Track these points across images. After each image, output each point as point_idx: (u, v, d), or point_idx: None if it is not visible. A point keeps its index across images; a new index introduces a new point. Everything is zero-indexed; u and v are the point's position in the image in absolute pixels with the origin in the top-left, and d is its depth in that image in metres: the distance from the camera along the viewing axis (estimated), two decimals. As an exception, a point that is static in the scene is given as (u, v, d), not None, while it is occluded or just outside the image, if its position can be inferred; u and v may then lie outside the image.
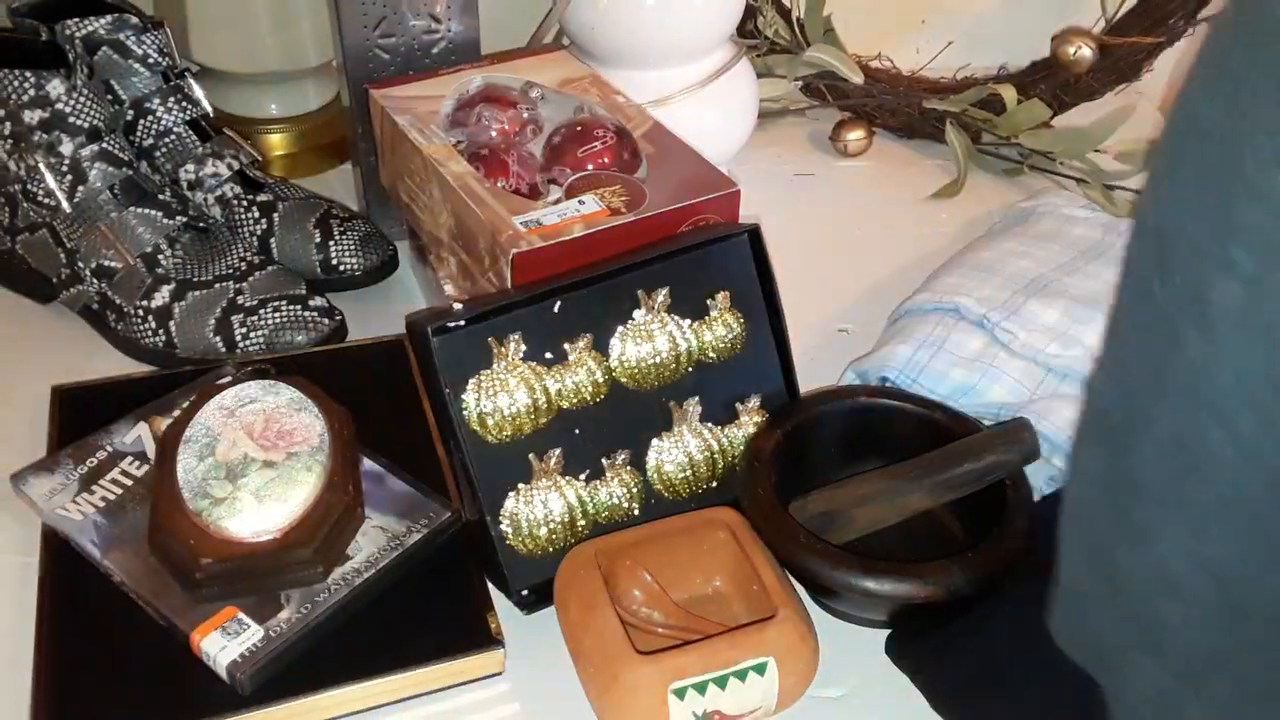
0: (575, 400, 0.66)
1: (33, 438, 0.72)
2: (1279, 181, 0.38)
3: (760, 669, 0.56)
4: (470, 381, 0.63)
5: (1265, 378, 0.39)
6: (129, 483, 0.66)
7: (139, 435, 0.69)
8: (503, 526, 0.64)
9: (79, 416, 0.71)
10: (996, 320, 0.75)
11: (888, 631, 0.64)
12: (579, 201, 0.69)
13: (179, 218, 0.81)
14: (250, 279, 0.81)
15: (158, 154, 0.86)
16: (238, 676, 0.57)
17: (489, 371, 0.64)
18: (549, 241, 0.65)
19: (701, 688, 0.55)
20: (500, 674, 0.61)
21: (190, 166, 0.86)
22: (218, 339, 0.79)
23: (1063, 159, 0.99)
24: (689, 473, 0.68)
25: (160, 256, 0.80)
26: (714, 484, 0.69)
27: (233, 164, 0.86)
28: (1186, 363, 0.42)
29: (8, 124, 0.77)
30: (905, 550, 0.64)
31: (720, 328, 0.69)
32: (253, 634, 0.58)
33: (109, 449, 0.68)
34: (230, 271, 0.81)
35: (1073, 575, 0.50)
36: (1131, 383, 0.45)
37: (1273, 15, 0.38)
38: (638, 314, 0.67)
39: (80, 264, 0.80)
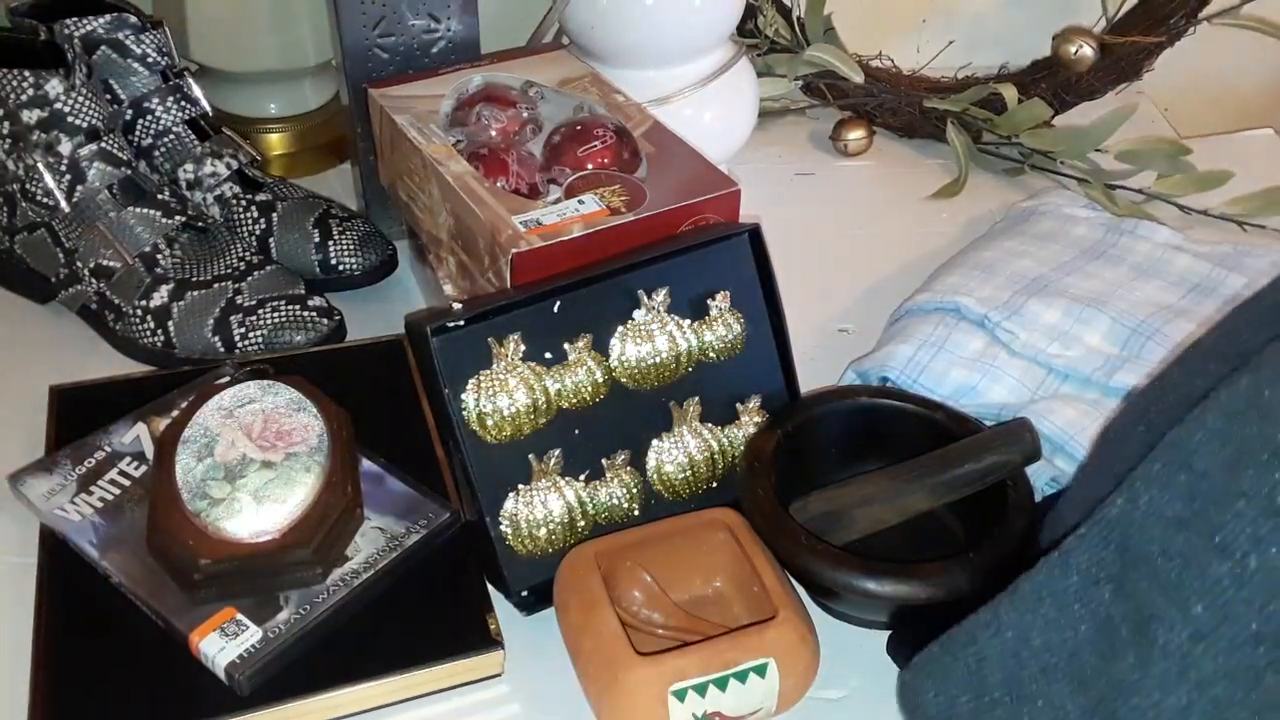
0: (575, 400, 0.66)
1: (31, 438, 0.72)
2: (1255, 558, 0.39)
3: (761, 670, 0.56)
4: (469, 382, 0.63)
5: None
6: (127, 483, 0.66)
7: (137, 436, 0.69)
8: (502, 527, 0.64)
9: (77, 417, 0.71)
10: (997, 320, 0.75)
11: (889, 633, 0.64)
12: (579, 201, 0.69)
13: (177, 217, 0.81)
14: (249, 279, 0.81)
15: (156, 153, 0.86)
16: (236, 677, 0.57)
17: (488, 372, 0.63)
18: (548, 241, 0.65)
19: (701, 689, 0.55)
20: (500, 675, 0.61)
21: (189, 166, 0.85)
22: (216, 339, 0.79)
23: (1064, 158, 0.99)
24: (689, 473, 0.68)
25: (159, 256, 0.80)
26: (714, 484, 0.69)
27: (231, 163, 0.86)
28: (1117, 677, 0.43)
29: (6, 123, 0.77)
30: (906, 551, 0.64)
31: (720, 328, 0.69)
32: (251, 635, 0.58)
33: (107, 449, 0.68)
34: (229, 271, 0.81)
35: None
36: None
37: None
38: (638, 314, 0.67)
39: (79, 264, 0.80)
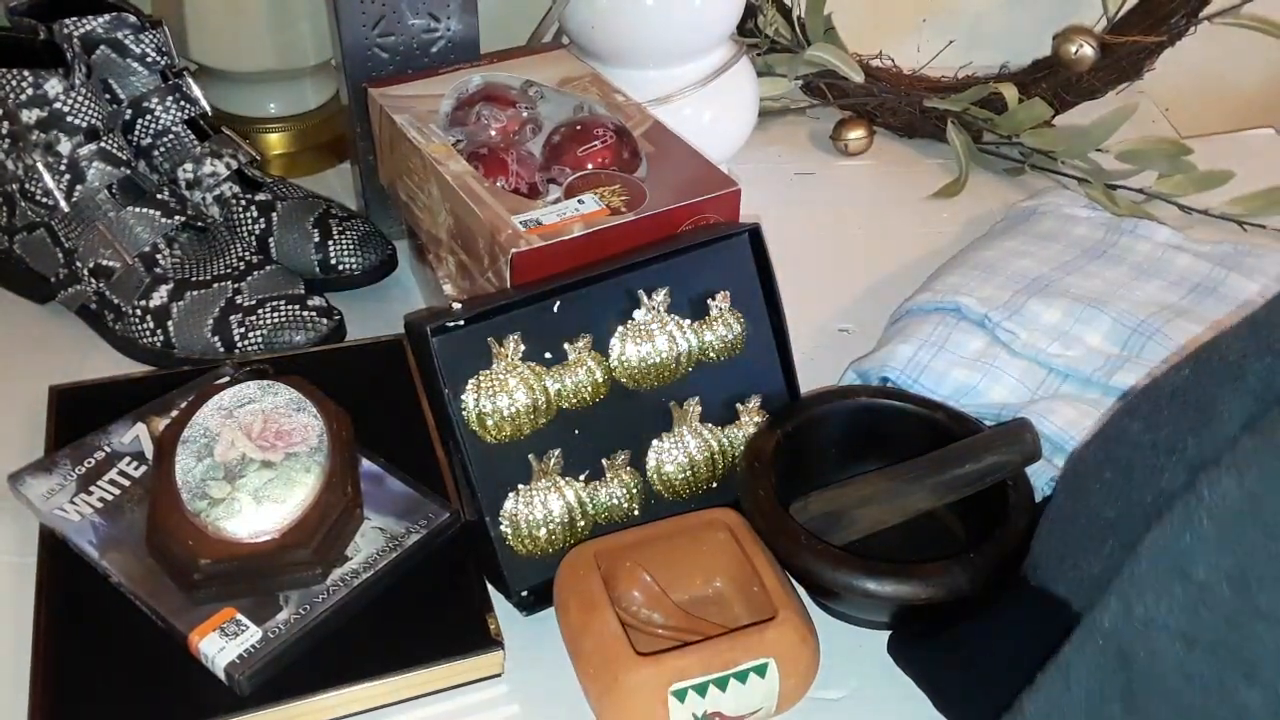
0: (575, 400, 0.66)
1: (30, 438, 0.72)
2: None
3: (761, 670, 0.56)
4: (469, 382, 0.63)
5: None
6: (127, 483, 0.66)
7: (137, 436, 0.69)
8: (502, 527, 0.64)
9: (77, 417, 0.71)
10: (998, 320, 0.75)
11: (889, 633, 0.64)
12: (578, 201, 0.69)
13: (177, 217, 0.80)
14: (249, 279, 0.80)
15: (156, 153, 0.86)
16: (236, 678, 0.57)
17: (488, 372, 0.63)
18: (548, 241, 0.65)
19: (701, 689, 0.55)
20: (500, 675, 0.61)
21: (188, 166, 0.85)
22: (216, 339, 0.79)
23: (1064, 158, 0.99)
24: (689, 473, 0.68)
25: (158, 256, 0.80)
26: (714, 485, 0.69)
27: (231, 163, 0.86)
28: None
29: (5, 123, 0.77)
30: (906, 551, 0.64)
31: (720, 328, 0.69)
32: (251, 635, 0.58)
33: (107, 449, 0.68)
34: (228, 271, 0.81)
35: None
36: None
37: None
38: (638, 314, 0.67)
39: (78, 264, 0.80)
